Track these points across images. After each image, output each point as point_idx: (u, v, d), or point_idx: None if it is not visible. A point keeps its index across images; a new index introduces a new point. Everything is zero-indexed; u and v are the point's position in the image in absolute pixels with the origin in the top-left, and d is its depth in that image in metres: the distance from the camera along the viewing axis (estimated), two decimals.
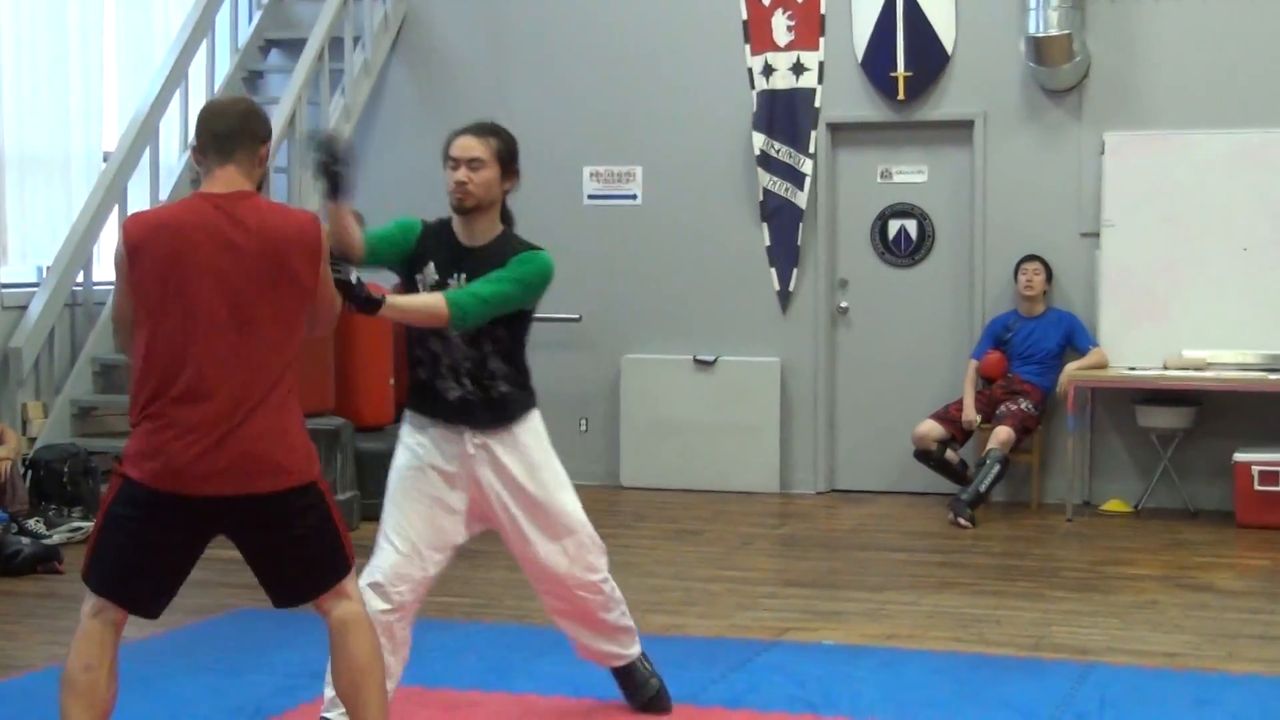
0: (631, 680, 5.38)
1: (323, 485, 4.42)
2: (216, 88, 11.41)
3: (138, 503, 4.20)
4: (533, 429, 5.10)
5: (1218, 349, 9.71)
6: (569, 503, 5.14)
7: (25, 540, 8.09)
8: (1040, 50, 10.02)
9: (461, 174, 5.05)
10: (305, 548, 4.36)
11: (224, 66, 11.54)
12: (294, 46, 11.36)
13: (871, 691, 5.71)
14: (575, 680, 5.81)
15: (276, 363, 4.28)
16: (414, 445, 5.06)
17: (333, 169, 4.70)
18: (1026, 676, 5.85)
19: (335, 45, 11.06)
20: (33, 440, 9.40)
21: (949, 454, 9.83)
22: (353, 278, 4.57)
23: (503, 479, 5.04)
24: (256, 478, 4.19)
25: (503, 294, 4.87)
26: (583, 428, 11.16)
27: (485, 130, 5.15)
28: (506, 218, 5.20)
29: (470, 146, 5.08)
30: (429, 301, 4.81)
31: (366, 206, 11.45)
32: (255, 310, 4.20)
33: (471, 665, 6.10)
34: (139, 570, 4.26)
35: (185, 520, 4.23)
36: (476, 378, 4.96)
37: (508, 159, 5.12)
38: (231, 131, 4.33)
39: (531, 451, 5.07)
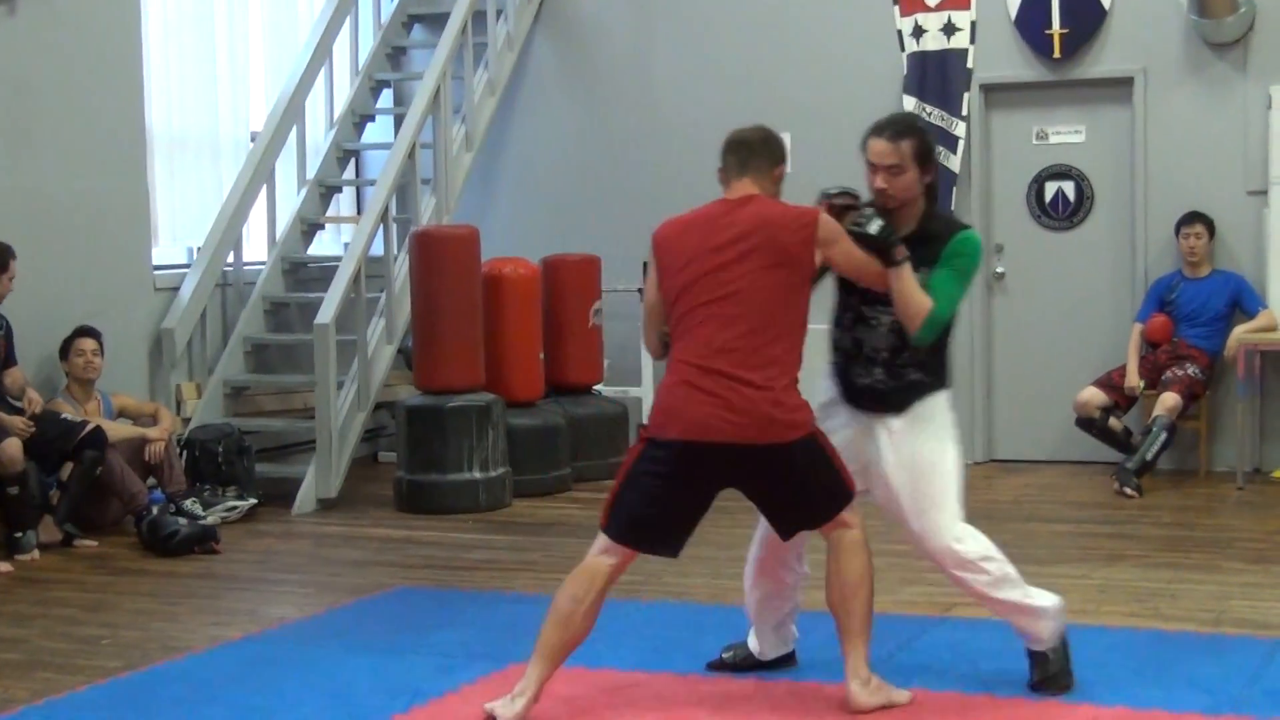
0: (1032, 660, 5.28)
1: (819, 436, 5.00)
2: (361, 65, 11.41)
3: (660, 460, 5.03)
4: (929, 408, 5.13)
5: None
6: (938, 480, 5.07)
7: (182, 521, 8.11)
8: (1203, 2, 9.70)
9: (880, 180, 5.07)
10: (807, 490, 5.04)
11: (368, 43, 11.53)
12: (436, 21, 11.32)
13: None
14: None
15: (771, 329, 4.87)
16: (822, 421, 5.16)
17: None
18: (1209, 653, 5.62)
19: (478, 19, 11.00)
20: (187, 421, 9.45)
21: (1112, 422, 9.55)
22: (872, 229, 4.94)
23: (883, 452, 5.13)
24: (780, 428, 4.86)
25: (957, 295, 5.06)
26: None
27: (899, 132, 5.09)
28: (929, 191, 5.17)
29: (885, 153, 5.05)
30: (920, 299, 4.97)
31: (512, 180, 11.49)
32: (742, 284, 4.87)
33: (633, 645, 5.98)
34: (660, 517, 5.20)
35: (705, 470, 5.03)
36: (890, 365, 5.06)
37: (924, 157, 5.07)
38: (751, 151, 5.13)
39: (919, 426, 5.10)
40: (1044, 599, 5.17)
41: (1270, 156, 9.65)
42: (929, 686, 5.31)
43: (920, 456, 5.07)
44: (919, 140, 5.07)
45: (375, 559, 7.86)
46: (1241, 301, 9.62)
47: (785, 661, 5.59)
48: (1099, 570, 7.14)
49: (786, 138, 10.80)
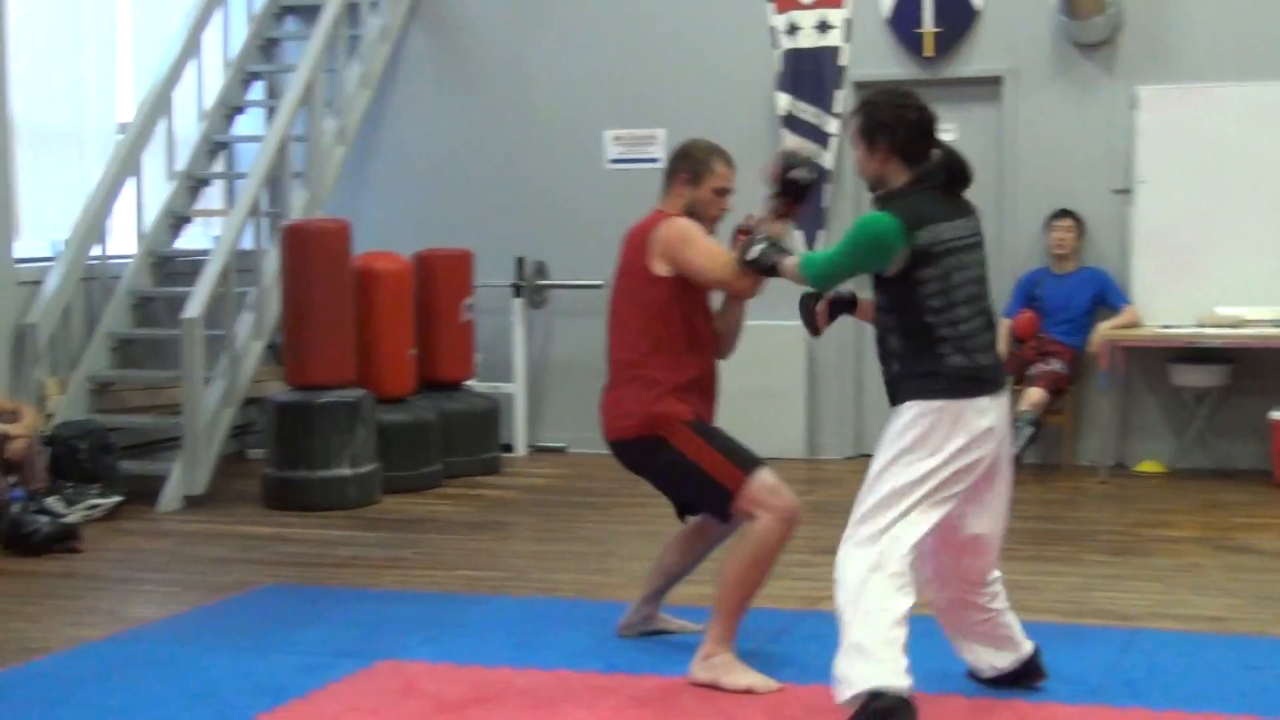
0: None
1: (674, 436, 5.40)
2: (232, 56, 11.27)
3: None
4: (902, 420, 4.78)
5: (1253, 306, 9.52)
6: (868, 492, 4.80)
7: (43, 519, 7.95)
8: (1071, 3, 9.85)
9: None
10: (671, 484, 5.60)
11: (239, 35, 11.39)
12: (309, 13, 11.20)
13: (917, 661, 5.51)
14: (607, 654, 5.69)
15: (629, 339, 5.51)
16: None
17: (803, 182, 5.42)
18: (1071, 644, 5.69)
19: (352, 11, 10.92)
20: (50, 417, 9.27)
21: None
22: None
23: None
24: (609, 430, 5.60)
25: (831, 258, 5.02)
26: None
27: (850, 112, 5.51)
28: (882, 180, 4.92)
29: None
30: (793, 260, 5.24)
31: (385, 175, 11.41)
32: (616, 297, 5.63)
33: (501, 640, 5.95)
34: None
35: None
36: (880, 355, 4.99)
37: (869, 134, 4.84)
38: (667, 169, 5.73)
39: (885, 437, 4.87)
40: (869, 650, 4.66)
41: (1135, 156, 9.80)
42: (796, 680, 5.33)
43: (872, 462, 4.89)
44: (862, 118, 4.88)
45: (242, 557, 7.77)
46: (1106, 298, 9.76)
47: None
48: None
49: (661, 134, 10.94)
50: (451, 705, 5.17)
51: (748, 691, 5.19)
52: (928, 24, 10.35)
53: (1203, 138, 9.67)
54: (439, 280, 10.15)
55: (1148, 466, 9.79)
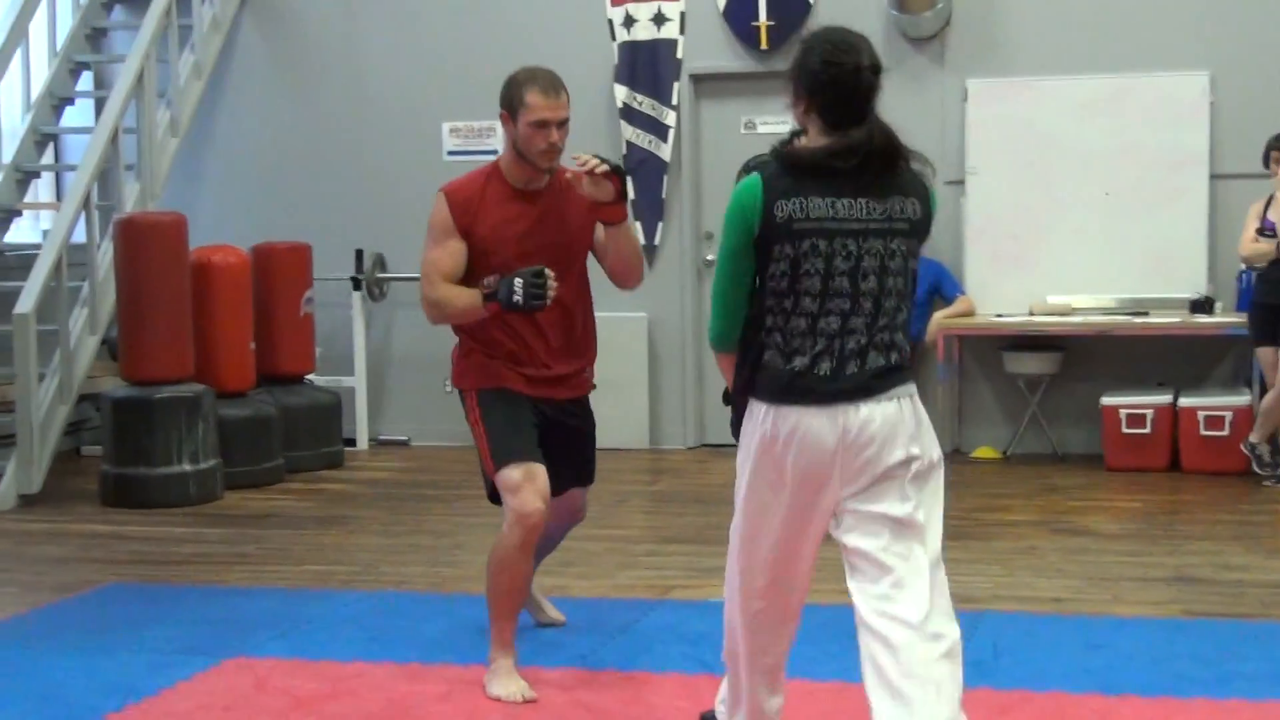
0: None
1: (467, 397, 5.28)
2: (59, 46, 11.05)
3: None
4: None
5: (1082, 294, 9.77)
6: None
7: None
8: None
9: None
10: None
11: (66, 24, 11.17)
12: (138, 3, 11.03)
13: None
14: (460, 647, 5.68)
15: None
16: None
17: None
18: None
19: (183, 1, 10.74)
20: None
21: None
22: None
23: None
24: None
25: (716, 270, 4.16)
26: (448, 388, 10.94)
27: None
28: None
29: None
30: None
31: (220, 166, 11.25)
32: None
33: (353, 635, 5.92)
34: None
35: None
36: None
37: (794, 78, 3.98)
38: None
39: None
40: None
41: (966, 147, 10.00)
42: (650, 668, 5.37)
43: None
44: (794, 57, 4.04)
45: (82, 555, 7.63)
46: (941, 288, 9.94)
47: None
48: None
49: (498, 126, 10.82)
50: (305, 700, 5.13)
51: (496, 700, 5.04)
52: (762, 17, 10.46)
53: (1031, 130, 9.90)
54: (277, 274, 10.05)
55: (984, 453, 9.99)
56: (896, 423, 3.84)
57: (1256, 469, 8.80)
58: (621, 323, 10.51)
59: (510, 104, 5.06)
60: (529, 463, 5.08)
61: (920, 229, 3.92)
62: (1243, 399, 9.27)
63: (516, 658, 5.20)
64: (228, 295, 9.48)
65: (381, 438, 11.00)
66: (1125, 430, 9.33)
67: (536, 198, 5.21)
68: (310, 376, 10.36)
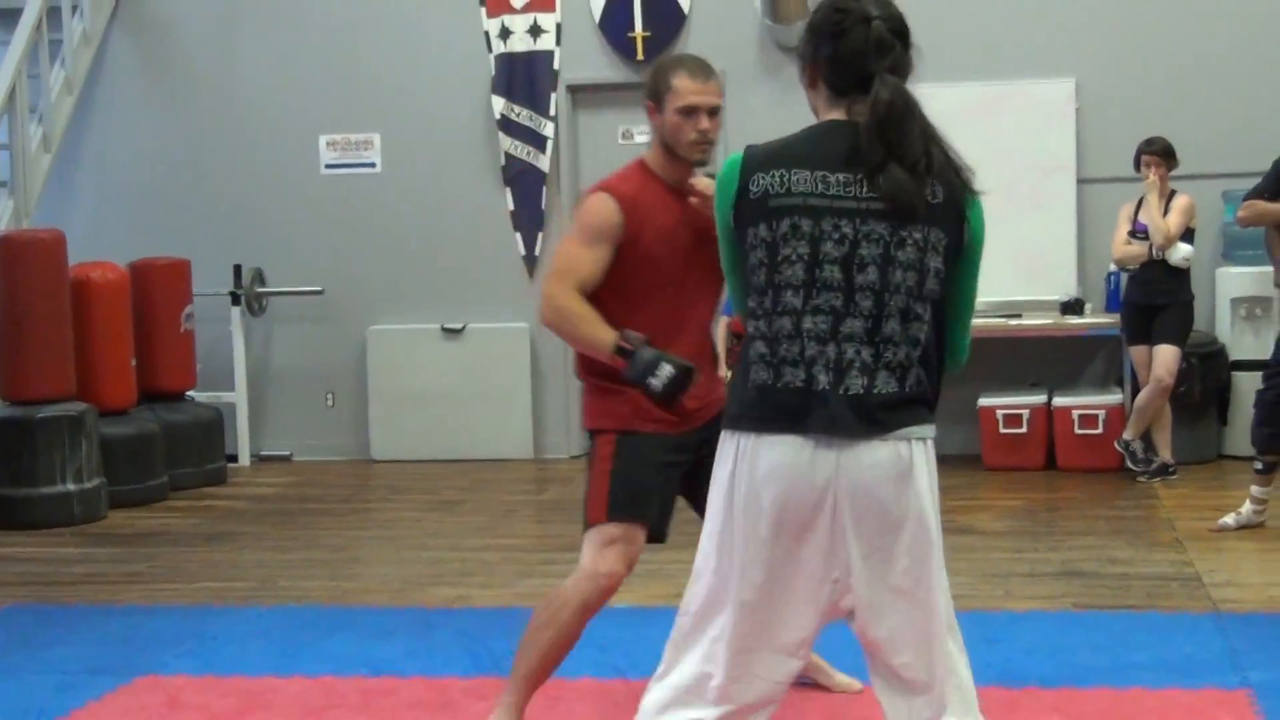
0: None
1: (601, 438, 4.55)
2: None
3: None
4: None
5: None
6: None
7: None
8: (776, 7, 10.15)
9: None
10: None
11: None
12: (6, 16, 10.87)
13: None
14: (370, 658, 5.70)
15: None
16: None
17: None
18: (823, 627, 5.89)
19: (52, 15, 10.63)
20: None
21: None
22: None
23: None
24: None
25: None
26: (329, 402, 10.97)
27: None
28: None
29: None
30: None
31: (94, 182, 11.12)
32: None
33: (260, 650, 5.91)
34: None
35: None
36: None
37: (802, 46, 3.80)
38: None
39: None
40: None
41: None
42: (564, 675, 5.41)
43: None
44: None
45: None
46: None
47: None
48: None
49: (376, 139, 10.92)
50: (221, 716, 5.13)
51: None
52: (638, 28, 10.55)
53: None
54: (157, 290, 9.97)
55: None
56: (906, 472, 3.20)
57: (1131, 465, 9.04)
58: (504, 333, 10.57)
59: (656, 91, 4.44)
60: (635, 525, 4.51)
61: (943, 216, 3.20)
62: (1115, 398, 9.52)
63: None
64: (107, 312, 9.39)
65: (263, 453, 10.94)
66: (1002, 430, 9.55)
67: (685, 200, 4.49)
68: (191, 393, 10.28)
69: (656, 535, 4.62)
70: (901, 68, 3.27)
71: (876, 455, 3.16)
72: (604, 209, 4.42)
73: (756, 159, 3.25)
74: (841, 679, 5.15)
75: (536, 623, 4.52)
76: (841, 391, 3.15)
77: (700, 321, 4.61)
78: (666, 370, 4.19)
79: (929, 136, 3.21)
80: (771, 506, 3.17)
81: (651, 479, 4.52)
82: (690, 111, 4.39)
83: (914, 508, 3.21)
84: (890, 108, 3.18)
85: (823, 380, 3.15)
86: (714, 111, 4.44)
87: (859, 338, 3.16)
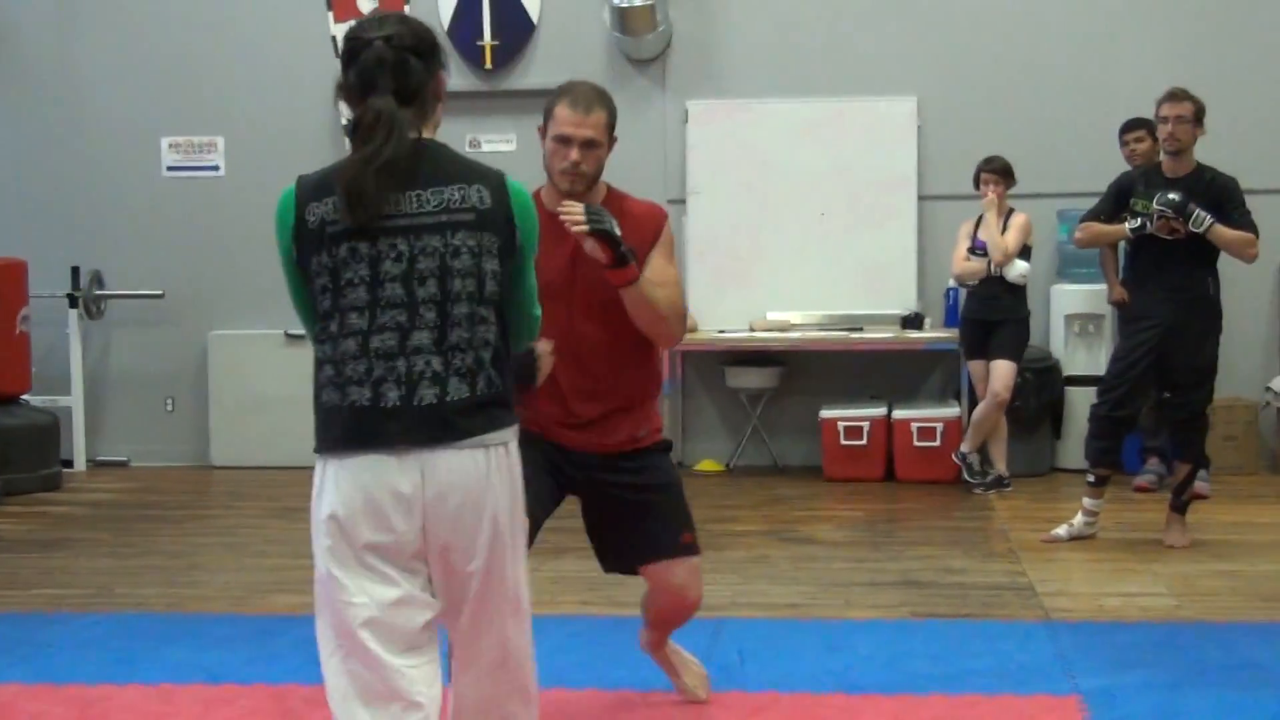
0: None
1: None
2: None
3: None
4: None
5: (800, 310, 10.10)
6: None
7: None
8: (624, 20, 10.20)
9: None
10: None
11: None
12: None
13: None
14: (209, 666, 5.64)
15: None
16: None
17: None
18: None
19: None
20: None
21: None
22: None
23: None
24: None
25: None
26: (169, 407, 10.82)
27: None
28: None
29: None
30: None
31: None
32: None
33: (97, 658, 5.82)
34: None
35: None
36: None
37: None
38: None
39: None
40: None
41: (688, 167, 10.25)
42: (568, 686, 5.40)
43: None
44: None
45: None
46: None
47: None
48: (548, 563, 7.38)
49: (220, 141, 10.80)
50: None
51: None
52: (487, 37, 10.56)
53: (749, 151, 10.20)
54: None
55: (707, 465, 10.23)
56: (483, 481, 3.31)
57: (967, 477, 9.21)
58: None
59: (545, 115, 4.50)
60: None
61: (491, 219, 3.34)
62: (953, 411, 9.69)
63: None
64: None
65: (99, 459, 10.75)
66: (843, 442, 9.67)
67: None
68: (26, 396, 10.08)
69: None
70: (407, 84, 3.32)
71: (460, 458, 3.28)
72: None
73: (308, 189, 3.34)
74: (690, 681, 5.19)
75: None
76: (415, 402, 3.25)
77: (600, 345, 4.57)
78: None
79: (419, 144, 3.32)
80: (361, 523, 3.25)
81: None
82: (564, 140, 4.44)
83: (488, 513, 3.30)
84: (373, 122, 3.27)
85: (393, 396, 3.25)
86: (589, 144, 4.45)
87: (427, 350, 3.27)
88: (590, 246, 4.34)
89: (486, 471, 3.29)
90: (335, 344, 3.29)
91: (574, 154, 4.43)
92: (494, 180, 3.37)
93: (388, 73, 3.29)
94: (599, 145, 4.47)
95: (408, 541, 3.27)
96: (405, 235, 3.27)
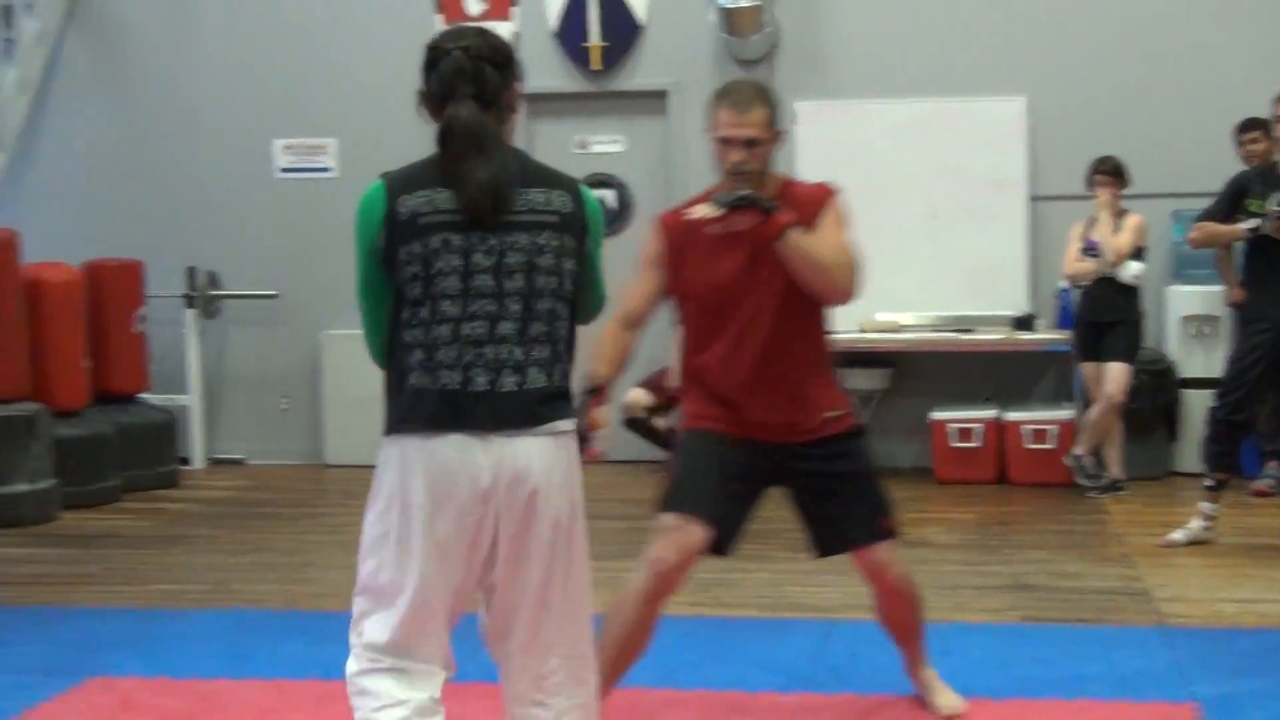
0: None
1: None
2: None
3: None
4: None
5: (910, 312, 10.04)
6: None
7: None
8: (731, 21, 10.20)
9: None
10: None
11: None
12: None
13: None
14: (324, 662, 5.66)
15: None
16: None
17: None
18: (773, 635, 5.96)
19: (5, 14, 10.60)
20: None
21: (657, 421, 9.90)
22: None
23: None
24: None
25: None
26: (284, 406, 10.95)
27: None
28: None
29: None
30: None
31: (47, 183, 11.06)
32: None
33: (213, 652, 5.91)
34: None
35: None
36: None
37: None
38: None
39: None
40: None
41: (795, 168, 10.20)
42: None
43: None
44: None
45: None
46: None
47: None
48: None
49: (332, 144, 10.91)
50: (173, 718, 5.13)
51: None
52: (594, 38, 10.59)
53: (857, 152, 10.14)
54: (110, 291, 9.95)
55: None
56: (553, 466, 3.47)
57: (1081, 480, 9.12)
58: None
59: (709, 117, 4.62)
60: (686, 517, 4.65)
61: (572, 223, 3.55)
62: (1065, 413, 9.60)
63: None
64: (60, 313, 9.36)
65: (217, 456, 10.91)
66: (954, 444, 9.62)
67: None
68: (144, 395, 10.24)
69: (720, 539, 4.73)
70: (484, 91, 3.55)
71: (530, 449, 3.45)
72: (649, 238, 4.79)
73: (397, 183, 3.56)
74: (946, 700, 5.15)
75: (608, 616, 4.64)
76: (499, 388, 3.44)
77: (779, 340, 4.66)
78: None
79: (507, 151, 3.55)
80: (434, 503, 3.43)
81: (705, 476, 4.69)
82: (726, 142, 4.55)
83: (557, 497, 3.49)
84: (454, 125, 3.55)
85: (482, 380, 3.43)
86: (750, 143, 4.53)
87: (511, 339, 3.46)
88: (737, 223, 4.45)
89: (558, 457, 3.48)
90: (427, 329, 3.45)
91: (736, 155, 4.53)
92: (573, 187, 3.61)
93: (467, 80, 3.52)
94: (761, 142, 4.55)
95: (472, 523, 3.42)
96: (495, 231, 3.46)
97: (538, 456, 3.44)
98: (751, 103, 4.56)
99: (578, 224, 3.57)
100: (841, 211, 4.73)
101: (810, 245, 4.52)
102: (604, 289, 3.74)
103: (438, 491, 3.42)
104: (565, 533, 3.53)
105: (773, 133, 4.60)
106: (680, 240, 4.70)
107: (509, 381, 3.44)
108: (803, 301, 4.64)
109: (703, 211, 4.48)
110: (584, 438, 3.97)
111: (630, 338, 4.73)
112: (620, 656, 4.66)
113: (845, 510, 4.85)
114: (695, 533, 4.65)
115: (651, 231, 4.82)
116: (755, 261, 4.60)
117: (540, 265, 3.49)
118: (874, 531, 4.89)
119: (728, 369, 4.70)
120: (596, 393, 4.31)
